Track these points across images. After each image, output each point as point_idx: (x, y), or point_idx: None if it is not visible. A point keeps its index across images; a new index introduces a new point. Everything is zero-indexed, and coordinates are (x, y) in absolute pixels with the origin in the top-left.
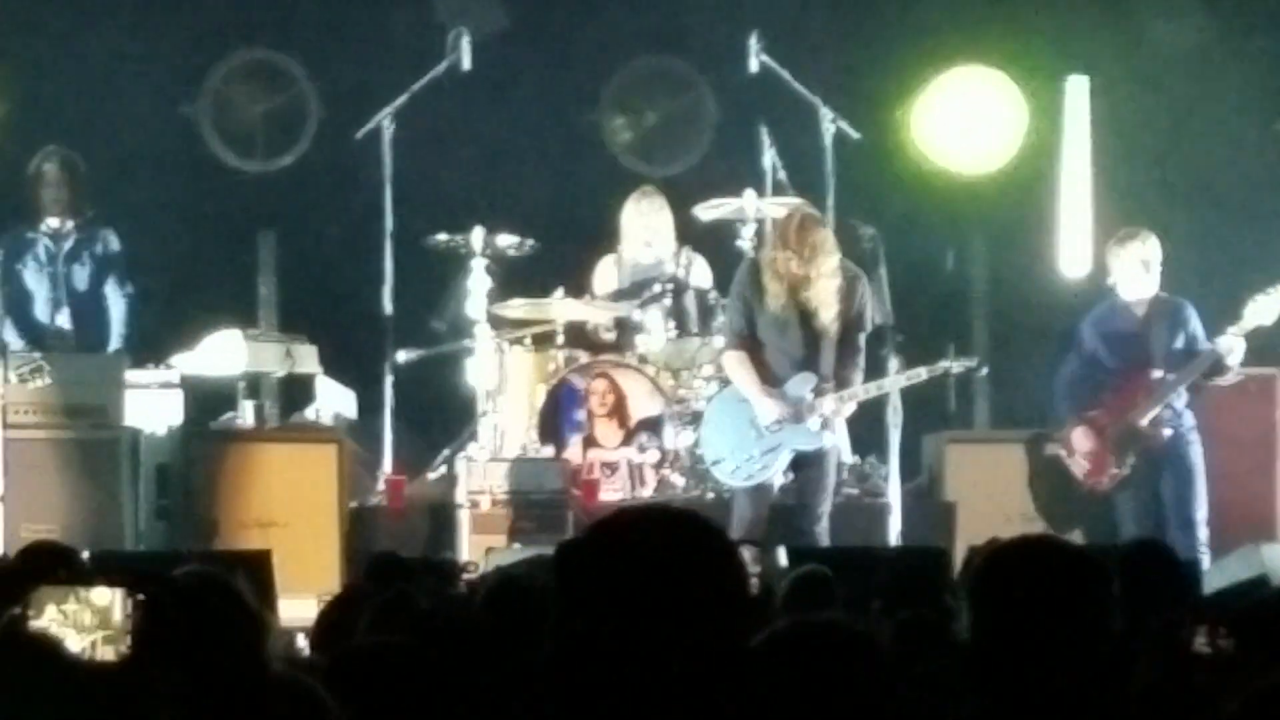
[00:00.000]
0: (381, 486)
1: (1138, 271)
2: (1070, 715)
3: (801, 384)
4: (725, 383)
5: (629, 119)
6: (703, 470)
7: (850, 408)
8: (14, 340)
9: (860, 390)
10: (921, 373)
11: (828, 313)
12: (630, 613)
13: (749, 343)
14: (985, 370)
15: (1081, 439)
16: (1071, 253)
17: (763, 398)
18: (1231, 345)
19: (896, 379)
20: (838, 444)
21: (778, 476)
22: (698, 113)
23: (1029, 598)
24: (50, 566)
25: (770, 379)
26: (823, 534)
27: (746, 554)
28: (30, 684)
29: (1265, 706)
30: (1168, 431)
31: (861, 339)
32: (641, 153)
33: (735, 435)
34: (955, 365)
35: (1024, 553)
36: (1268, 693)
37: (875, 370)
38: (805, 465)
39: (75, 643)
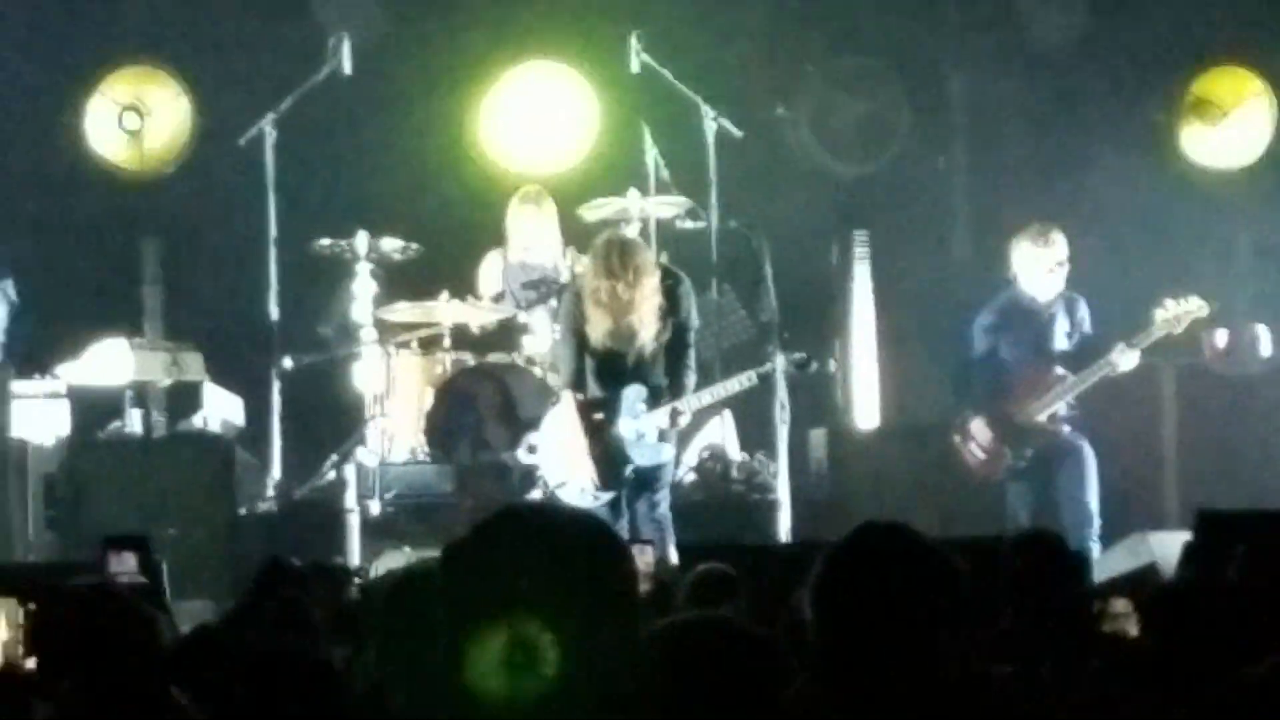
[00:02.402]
0: (270, 492)
1: (1051, 270)
2: (924, 705)
3: (634, 396)
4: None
5: (514, 121)
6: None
7: (686, 418)
8: None
9: (693, 399)
10: (752, 376)
11: (649, 328)
12: (520, 612)
13: (582, 377)
14: (817, 366)
15: (981, 429)
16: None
17: (585, 440)
18: (1132, 359)
19: (729, 383)
20: (674, 451)
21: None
22: (581, 113)
23: (855, 598)
24: None
25: (607, 391)
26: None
27: (638, 553)
28: None
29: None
30: (1066, 427)
31: (690, 338)
32: (524, 153)
33: (574, 455)
34: (784, 365)
35: (855, 551)
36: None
37: (758, 364)
38: (647, 476)
39: None
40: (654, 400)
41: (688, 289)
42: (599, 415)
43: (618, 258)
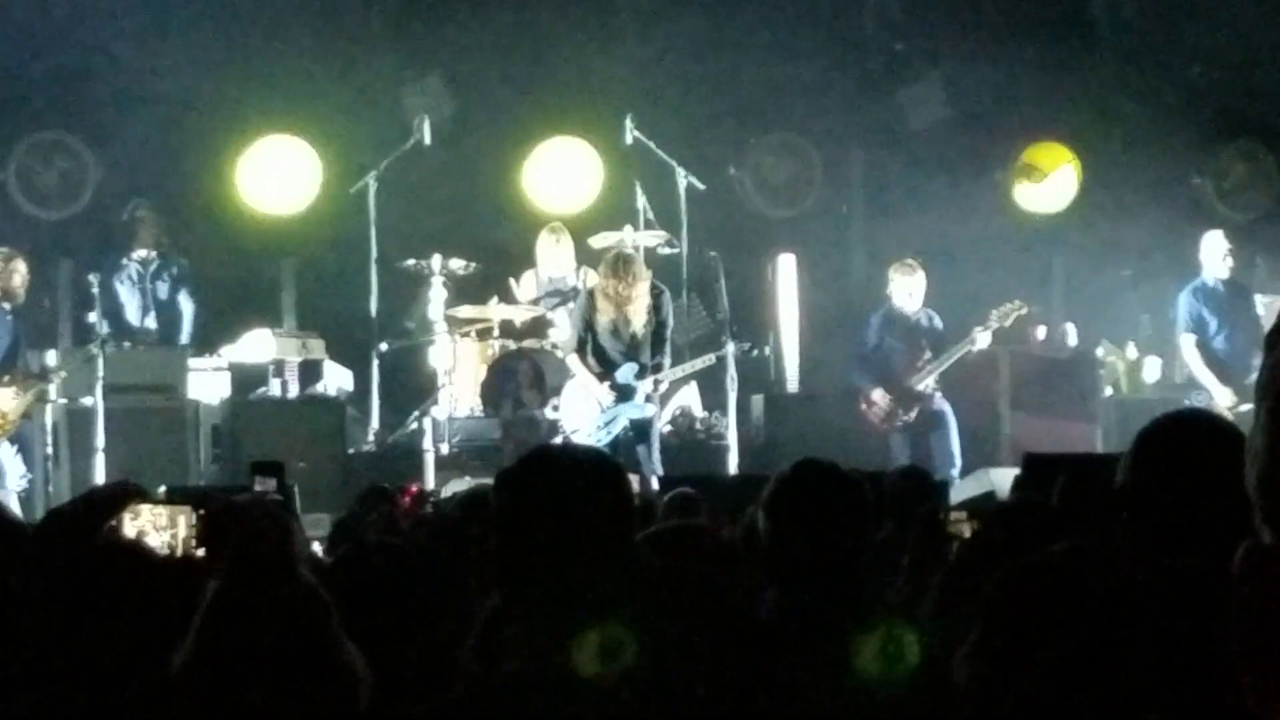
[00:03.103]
0: (371, 437)
1: (915, 293)
2: (844, 593)
3: (628, 371)
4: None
5: (543, 176)
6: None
7: (664, 385)
8: (109, 337)
9: (669, 373)
10: (711, 358)
11: (640, 320)
12: (550, 518)
13: (584, 348)
14: (756, 351)
15: (880, 396)
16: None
17: (599, 385)
18: (984, 339)
19: (694, 362)
20: (657, 410)
21: (621, 435)
22: (590, 171)
23: (801, 510)
24: (125, 495)
25: (607, 367)
26: (658, 466)
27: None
28: (123, 572)
29: (1014, 584)
30: (937, 394)
31: (667, 332)
32: (551, 199)
33: (585, 412)
34: (734, 350)
35: (798, 478)
36: (1015, 573)
37: (715, 350)
38: (637, 427)
39: (156, 543)
40: (641, 372)
41: (668, 298)
42: (606, 383)
43: (621, 264)
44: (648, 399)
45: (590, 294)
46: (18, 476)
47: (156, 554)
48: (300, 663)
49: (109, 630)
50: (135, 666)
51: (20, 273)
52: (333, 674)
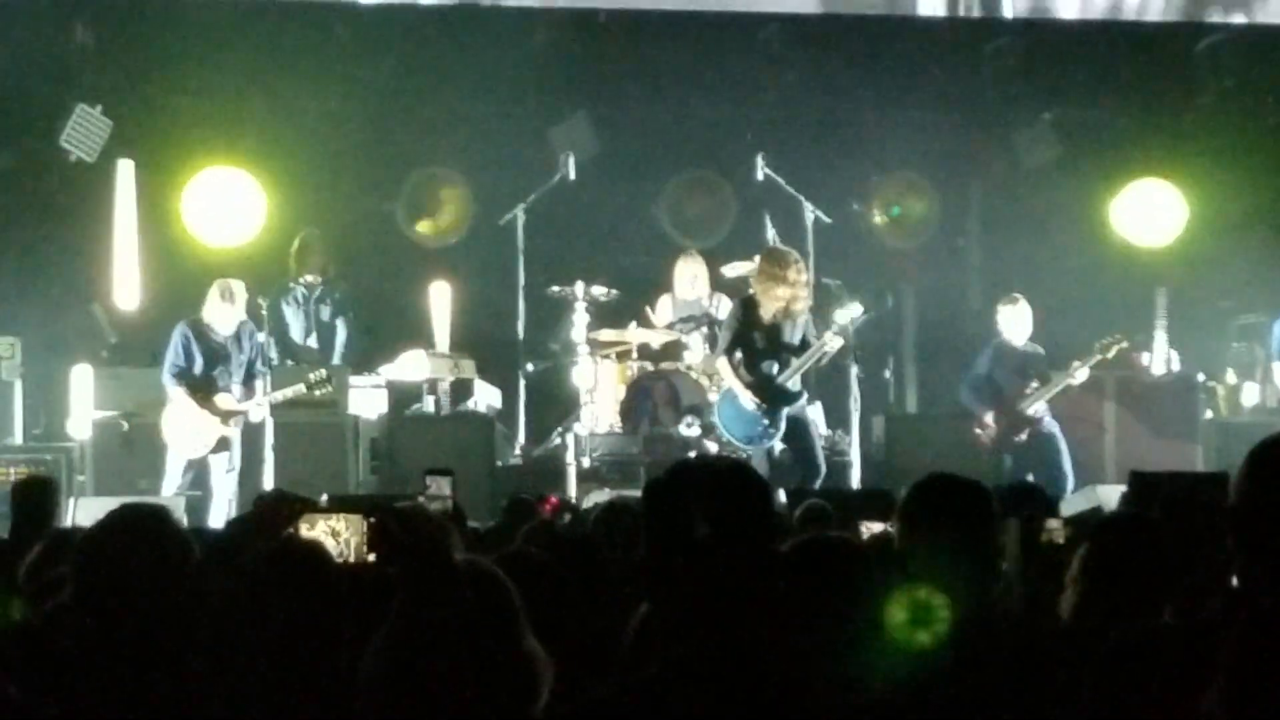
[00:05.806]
0: (517, 451)
1: (1020, 324)
2: (967, 583)
3: (769, 369)
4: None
5: (680, 209)
6: (727, 440)
7: (831, 352)
8: (275, 355)
9: (797, 363)
10: (831, 334)
11: (802, 309)
12: (694, 528)
13: (733, 352)
14: (872, 312)
15: (992, 420)
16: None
17: (748, 390)
18: (1082, 375)
19: (827, 338)
20: (810, 410)
21: (778, 441)
22: (723, 205)
23: (934, 512)
24: (290, 506)
25: (757, 371)
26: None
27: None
28: (303, 575)
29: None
30: (1046, 417)
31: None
32: (687, 231)
33: (743, 416)
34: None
35: (932, 486)
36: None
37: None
38: (790, 427)
39: (333, 548)
40: (784, 369)
41: (810, 318)
42: (756, 387)
43: (782, 252)
44: (799, 398)
45: (747, 300)
46: (227, 489)
47: (332, 556)
48: (485, 653)
49: (290, 627)
50: (315, 663)
51: (221, 301)
52: (515, 665)
